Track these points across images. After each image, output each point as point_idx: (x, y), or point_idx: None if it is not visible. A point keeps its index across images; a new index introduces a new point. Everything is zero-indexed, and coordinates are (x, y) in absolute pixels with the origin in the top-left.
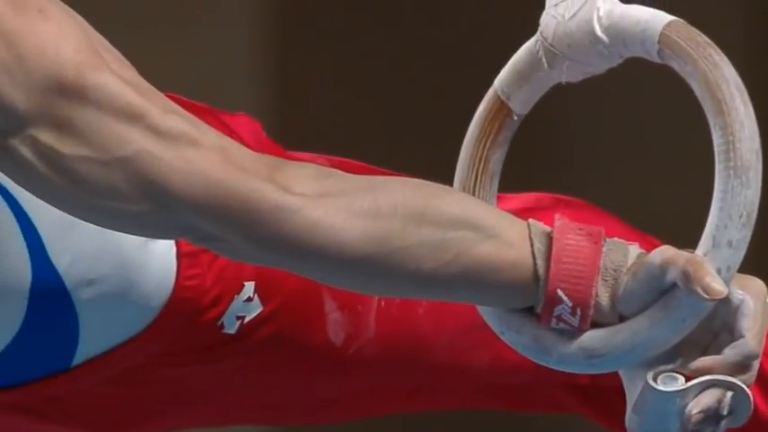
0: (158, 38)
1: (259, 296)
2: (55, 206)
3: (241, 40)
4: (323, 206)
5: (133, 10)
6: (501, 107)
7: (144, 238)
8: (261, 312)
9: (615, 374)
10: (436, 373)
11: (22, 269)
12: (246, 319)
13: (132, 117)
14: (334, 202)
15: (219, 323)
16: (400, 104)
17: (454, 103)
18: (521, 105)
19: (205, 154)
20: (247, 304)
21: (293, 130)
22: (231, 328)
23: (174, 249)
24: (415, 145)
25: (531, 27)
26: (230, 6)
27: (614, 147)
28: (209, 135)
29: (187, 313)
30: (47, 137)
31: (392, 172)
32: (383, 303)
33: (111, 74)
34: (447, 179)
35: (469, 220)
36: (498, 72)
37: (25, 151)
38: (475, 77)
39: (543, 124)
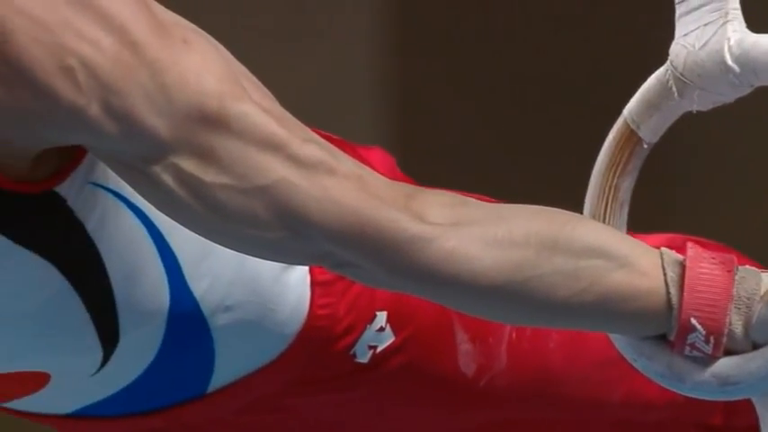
0: (278, 52)
1: (391, 326)
2: (193, 231)
3: (360, 53)
4: (457, 235)
5: (251, 26)
6: (631, 136)
7: (280, 266)
8: (393, 342)
9: (750, 416)
10: (567, 408)
11: (160, 294)
12: (378, 349)
13: (273, 146)
14: (469, 231)
15: (352, 352)
16: (524, 128)
17: (581, 131)
18: (651, 134)
19: (342, 182)
20: (379, 334)
21: (414, 150)
22: (363, 357)
23: (308, 278)
24: (542, 170)
25: (657, 55)
26: (349, 19)
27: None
28: (347, 163)
29: (320, 342)
30: (188, 165)
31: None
32: (514, 335)
33: (253, 104)
34: (573, 205)
35: (602, 249)
36: (626, 99)
37: (167, 178)
38: (603, 105)
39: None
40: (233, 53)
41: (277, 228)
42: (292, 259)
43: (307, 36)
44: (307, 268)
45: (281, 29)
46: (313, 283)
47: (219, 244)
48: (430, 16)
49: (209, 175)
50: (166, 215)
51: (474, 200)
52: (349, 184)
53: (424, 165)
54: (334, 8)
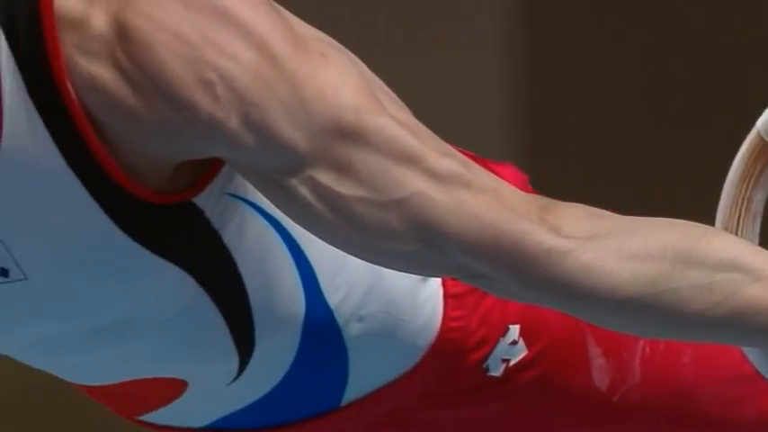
0: (400, 64)
1: (524, 339)
2: (329, 243)
3: (486, 62)
4: (593, 248)
5: (372, 37)
6: (764, 148)
7: (415, 278)
8: (525, 356)
9: None
10: (699, 425)
11: (295, 304)
12: (512, 362)
13: (409, 160)
14: (604, 244)
15: (484, 366)
16: (654, 137)
17: (713, 142)
18: None
19: (477, 195)
20: (512, 347)
21: (542, 161)
22: (496, 370)
23: (441, 290)
24: (672, 181)
25: None
26: (474, 25)
27: None
28: (482, 176)
29: (452, 354)
30: (325, 178)
31: None
32: (648, 350)
33: (389, 117)
34: (703, 217)
35: (737, 262)
36: (759, 110)
37: (304, 191)
38: (735, 117)
39: None
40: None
41: (413, 240)
42: (427, 271)
43: (430, 44)
44: (439, 280)
45: (405, 37)
46: (446, 296)
47: (355, 256)
48: (559, 23)
49: (345, 188)
50: (303, 227)
51: (609, 213)
52: (484, 198)
53: (552, 176)
54: (457, 13)
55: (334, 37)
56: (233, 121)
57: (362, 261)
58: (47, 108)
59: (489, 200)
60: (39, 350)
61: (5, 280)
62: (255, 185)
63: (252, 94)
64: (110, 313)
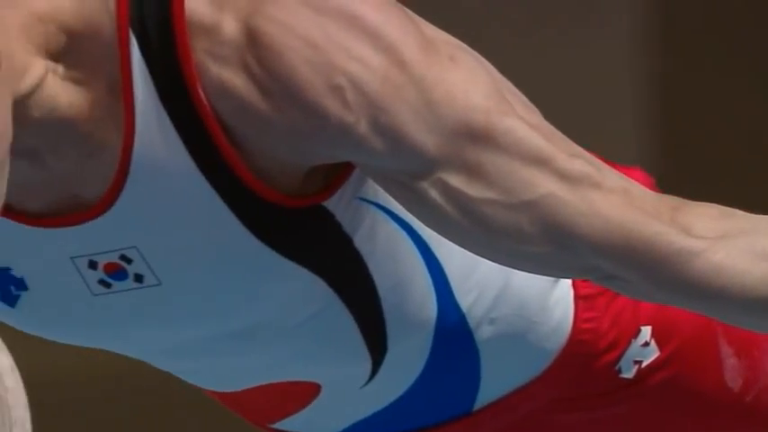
0: (528, 62)
1: (656, 341)
2: (460, 245)
3: (619, 63)
4: (724, 248)
5: (508, 38)
6: None
7: (546, 281)
8: (658, 357)
9: None
10: None
11: (427, 306)
12: (644, 364)
13: (539, 161)
14: (735, 244)
15: (617, 367)
16: None
17: None
18: None
19: (607, 196)
20: (644, 349)
21: (676, 162)
22: (628, 372)
23: (572, 292)
24: None
25: None
26: (605, 22)
27: None
28: (612, 177)
29: (583, 356)
30: (455, 180)
31: None
32: None
33: (519, 119)
34: None
35: None
36: None
37: (434, 194)
38: None
39: None
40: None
41: (543, 242)
42: (558, 272)
43: (562, 44)
44: (570, 282)
45: (538, 36)
46: (576, 298)
47: (485, 257)
48: (696, 20)
49: (475, 191)
50: (433, 229)
51: (741, 211)
52: (615, 198)
53: (688, 181)
54: (591, 12)
55: (464, 35)
56: (362, 126)
57: (493, 263)
58: (178, 114)
59: (620, 200)
60: (171, 355)
61: (140, 285)
62: (385, 188)
63: (381, 99)
64: (243, 317)
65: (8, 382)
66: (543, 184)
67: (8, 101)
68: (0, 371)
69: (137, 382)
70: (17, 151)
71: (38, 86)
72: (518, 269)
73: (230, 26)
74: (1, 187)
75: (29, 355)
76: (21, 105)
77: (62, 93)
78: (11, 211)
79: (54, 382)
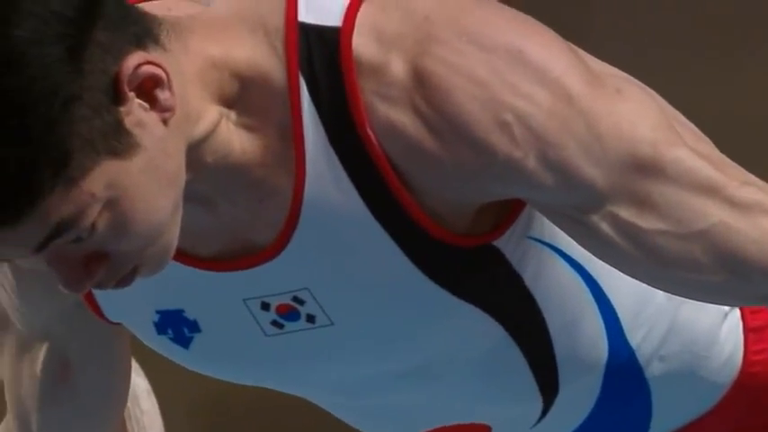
0: (703, 80)
1: None
2: (632, 276)
3: None
4: None
5: (686, 63)
6: None
7: (714, 314)
8: None
9: None
10: None
11: (598, 345)
12: None
13: (709, 190)
14: None
15: None
16: None
17: None
18: None
19: None
20: None
21: None
22: None
23: (741, 324)
24: None
25: None
26: None
27: None
28: None
29: (756, 389)
30: (625, 212)
31: None
32: None
33: (687, 149)
34: None
35: None
36: None
37: (604, 227)
38: None
39: None
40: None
41: (717, 271)
42: (732, 301)
43: (741, 67)
44: (739, 315)
45: (717, 60)
46: (746, 330)
47: (657, 288)
48: None
49: (646, 222)
50: (604, 261)
51: None
52: None
53: None
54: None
55: (638, 61)
56: (531, 161)
57: (664, 300)
58: (348, 155)
59: None
60: (342, 394)
61: (312, 326)
62: (555, 222)
63: (548, 134)
64: (414, 355)
65: (144, 405)
66: (714, 213)
67: (182, 146)
68: (136, 393)
69: (266, 409)
70: (190, 196)
71: (212, 132)
72: (691, 299)
73: (398, 66)
74: (174, 230)
75: (164, 379)
76: (195, 151)
77: (235, 139)
78: (184, 256)
79: (188, 407)
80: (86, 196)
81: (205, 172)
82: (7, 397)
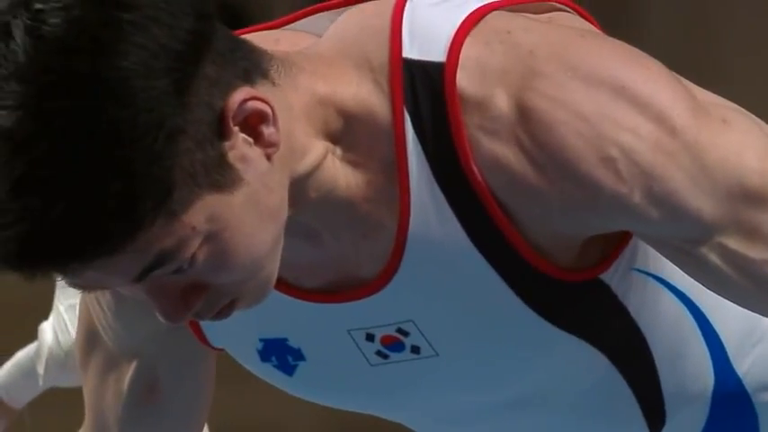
0: None
1: None
2: (740, 305)
3: None
4: None
5: None
6: None
7: None
8: None
9: None
10: None
11: (704, 375)
12: None
13: None
14: None
15: None
16: None
17: None
18: None
19: None
20: None
21: None
22: None
23: None
24: None
25: None
26: None
27: None
28: None
29: None
30: (734, 243)
31: None
32: None
33: None
34: None
35: None
36: None
37: (713, 258)
38: None
39: None
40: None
41: None
42: None
43: None
44: None
45: None
46: None
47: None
48: None
49: (755, 252)
50: (712, 291)
51: None
52: None
53: None
54: None
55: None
56: (636, 196)
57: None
58: (452, 189)
59: None
60: (444, 422)
61: (416, 356)
62: (662, 253)
63: (654, 168)
64: (518, 386)
65: None
66: None
67: (285, 181)
68: None
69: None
70: (294, 231)
71: (317, 168)
72: None
73: (501, 101)
74: (274, 264)
75: (219, 405)
76: (298, 186)
77: (340, 174)
78: (287, 286)
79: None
80: (187, 229)
81: (308, 207)
82: (87, 411)
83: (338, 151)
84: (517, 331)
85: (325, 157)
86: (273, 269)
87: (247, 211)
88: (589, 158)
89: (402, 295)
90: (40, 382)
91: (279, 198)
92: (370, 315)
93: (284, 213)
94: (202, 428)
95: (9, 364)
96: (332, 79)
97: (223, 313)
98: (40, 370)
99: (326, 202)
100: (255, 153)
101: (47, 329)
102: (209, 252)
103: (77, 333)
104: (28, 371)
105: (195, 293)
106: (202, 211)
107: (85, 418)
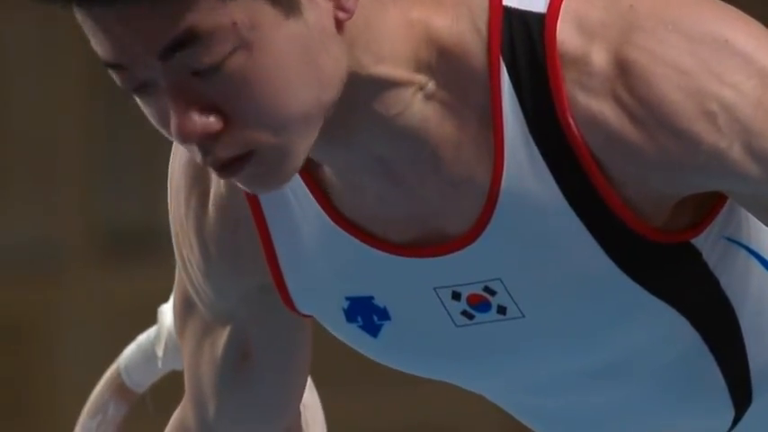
0: None
1: None
2: None
3: None
4: None
5: None
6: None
7: None
8: None
9: None
10: None
11: None
12: None
13: None
14: None
15: None
16: None
17: None
18: None
19: None
20: None
21: None
22: None
23: None
24: None
25: None
26: None
27: None
28: None
29: None
30: None
31: None
32: None
33: None
34: None
35: None
36: None
37: None
38: None
39: None
40: None
41: None
42: None
43: None
44: None
45: None
46: None
47: None
48: None
49: None
50: None
51: None
52: None
53: None
54: None
55: None
56: (735, 151)
57: None
58: (548, 144)
59: None
60: (523, 391)
61: (503, 317)
62: (758, 217)
63: (754, 124)
64: (604, 354)
65: (307, 400)
66: None
67: (343, 60)
68: None
69: None
70: (372, 166)
71: (393, 86)
72: None
73: (600, 56)
74: (299, 143)
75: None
76: (364, 89)
77: (430, 111)
78: (374, 239)
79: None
80: (227, 18)
81: (376, 125)
82: (186, 380)
83: (431, 86)
84: (606, 293)
85: (414, 91)
86: (298, 145)
87: (292, 48)
88: (689, 113)
89: (491, 252)
90: (159, 365)
91: (331, 66)
92: (457, 272)
93: (330, 91)
94: (300, 396)
95: (131, 347)
96: (428, 6)
97: (236, 166)
98: (159, 352)
99: (402, 129)
100: (325, 6)
101: (166, 311)
102: (238, 67)
103: (174, 301)
104: (148, 354)
105: (213, 117)
106: (249, 12)
107: (185, 391)
